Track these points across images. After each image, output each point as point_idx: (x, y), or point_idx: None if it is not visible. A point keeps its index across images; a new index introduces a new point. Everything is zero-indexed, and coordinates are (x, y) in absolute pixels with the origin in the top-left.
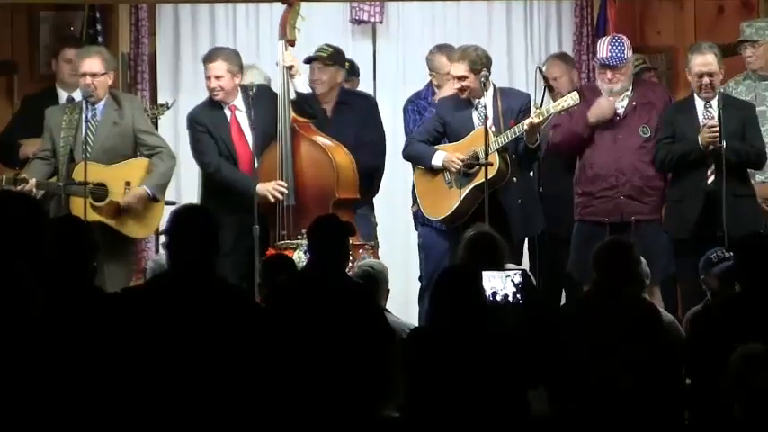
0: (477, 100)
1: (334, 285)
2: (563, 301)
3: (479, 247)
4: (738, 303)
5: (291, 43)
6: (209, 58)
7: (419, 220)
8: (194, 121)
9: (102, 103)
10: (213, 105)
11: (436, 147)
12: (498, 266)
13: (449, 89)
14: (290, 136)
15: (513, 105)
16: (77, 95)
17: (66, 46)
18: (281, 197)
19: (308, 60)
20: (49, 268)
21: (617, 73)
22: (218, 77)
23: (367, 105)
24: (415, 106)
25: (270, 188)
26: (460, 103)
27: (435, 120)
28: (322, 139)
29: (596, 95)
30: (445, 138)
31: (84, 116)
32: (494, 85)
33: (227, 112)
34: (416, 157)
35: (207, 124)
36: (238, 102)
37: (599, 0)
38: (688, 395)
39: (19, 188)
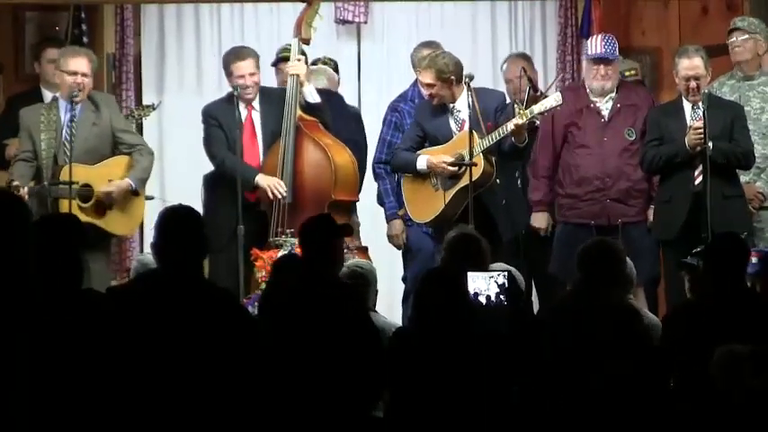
0: (452, 105)
1: (320, 286)
2: (533, 298)
3: (461, 248)
4: (706, 306)
5: (306, 42)
6: (240, 56)
7: (407, 222)
8: (208, 115)
9: (78, 104)
10: (230, 103)
11: (420, 151)
12: (480, 267)
13: None
14: (294, 134)
15: (489, 105)
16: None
17: (49, 47)
18: (277, 195)
19: (275, 63)
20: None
21: (609, 68)
22: (252, 74)
23: (340, 103)
24: (395, 116)
25: (271, 183)
26: (437, 109)
27: (415, 126)
28: (325, 139)
29: (580, 96)
30: (427, 142)
31: (69, 116)
32: (467, 87)
33: (244, 111)
34: (402, 165)
35: (219, 119)
36: (256, 101)
37: (583, 0)
38: (671, 395)
39: None
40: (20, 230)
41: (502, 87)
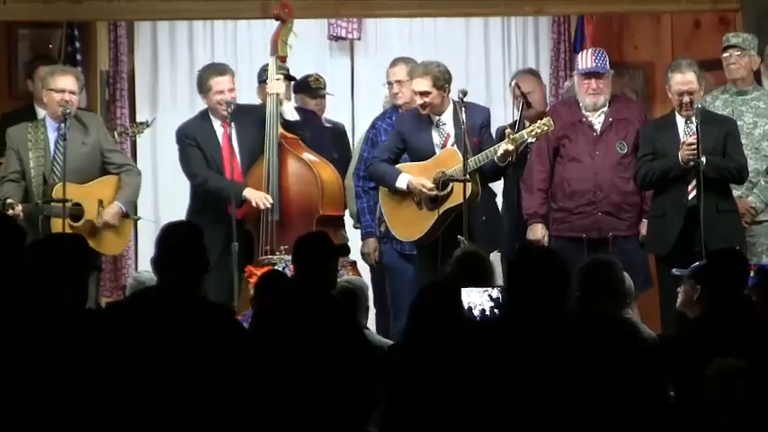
0: (437, 117)
1: (313, 304)
2: None
3: (467, 265)
4: (709, 321)
5: (283, 59)
6: (221, 71)
7: (383, 240)
8: (184, 135)
9: (68, 122)
10: (204, 120)
11: (402, 167)
12: (487, 286)
13: (405, 97)
14: (277, 151)
15: (475, 121)
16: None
17: (42, 64)
18: (262, 207)
19: (317, 94)
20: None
21: (600, 83)
22: (230, 90)
23: (344, 132)
24: (372, 133)
25: (257, 196)
26: (420, 121)
27: (395, 136)
28: (309, 156)
29: (572, 110)
30: (406, 154)
31: (57, 135)
32: (452, 101)
33: (220, 129)
34: (380, 177)
35: (197, 137)
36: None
37: (576, 16)
38: (672, 408)
39: (9, 213)
40: (16, 250)
41: (496, 104)
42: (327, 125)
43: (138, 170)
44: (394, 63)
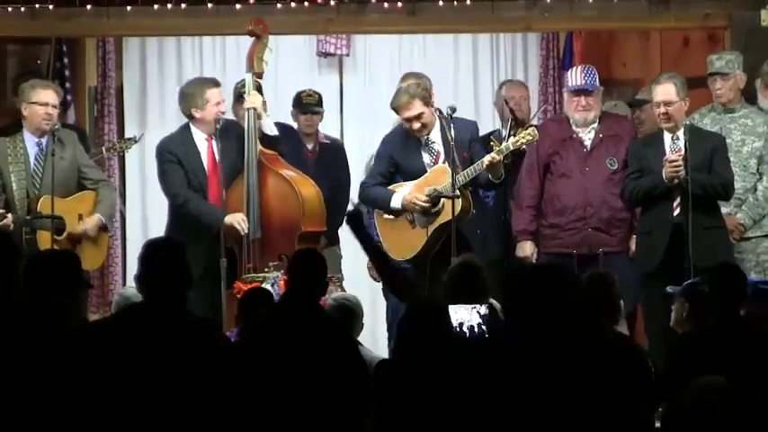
0: (425, 136)
1: (308, 320)
2: None
3: (461, 276)
4: (711, 334)
5: (259, 76)
6: (216, 83)
7: None
8: (166, 151)
9: (45, 137)
10: (186, 135)
11: (394, 188)
12: (482, 295)
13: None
14: (257, 168)
15: (463, 136)
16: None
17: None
18: (241, 231)
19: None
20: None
21: (590, 99)
22: (223, 102)
23: (341, 148)
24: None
25: (234, 219)
26: (408, 142)
27: (385, 159)
28: (288, 172)
29: (563, 127)
30: (398, 175)
31: (37, 150)
32: (438, 118)
33: (204, 143)
34: (374, 201)
35: (178, 154)
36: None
37: (564, 33)
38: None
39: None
40: (10, 264)
41: (485, 119)
42: (325, 141)
43: (113, 186)
44: (405, 78)
